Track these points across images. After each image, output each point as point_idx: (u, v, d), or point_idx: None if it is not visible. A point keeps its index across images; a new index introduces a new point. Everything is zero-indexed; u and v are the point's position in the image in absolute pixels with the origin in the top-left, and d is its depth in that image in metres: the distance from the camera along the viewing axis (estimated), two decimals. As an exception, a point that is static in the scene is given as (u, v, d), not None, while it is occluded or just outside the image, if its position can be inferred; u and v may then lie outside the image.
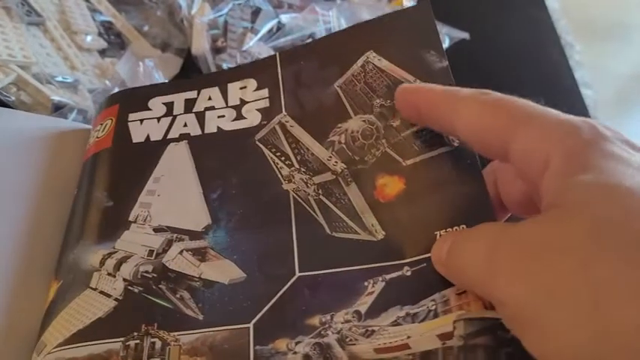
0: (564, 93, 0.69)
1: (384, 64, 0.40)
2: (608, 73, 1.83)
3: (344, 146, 0.38)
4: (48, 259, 0.38)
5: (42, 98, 0.50)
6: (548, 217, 0.25)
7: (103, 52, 0.60)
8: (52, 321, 0.35)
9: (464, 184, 0.33)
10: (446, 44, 0.67)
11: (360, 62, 0.41)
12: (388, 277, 0.33)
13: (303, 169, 0.38)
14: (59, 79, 0.53)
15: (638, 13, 2.08)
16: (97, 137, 0.44)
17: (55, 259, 0.38)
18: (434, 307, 0.31)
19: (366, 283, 0.33)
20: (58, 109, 0.50)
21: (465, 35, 0.68)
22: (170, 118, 0.43)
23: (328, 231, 0.36)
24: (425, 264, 0.32)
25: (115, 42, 0.61)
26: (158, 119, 0.43)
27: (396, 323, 0.31)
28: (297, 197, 0.37)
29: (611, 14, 2.02)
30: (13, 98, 0.49)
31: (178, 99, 0.44)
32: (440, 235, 0.32)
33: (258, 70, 0.44)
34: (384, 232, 0.34)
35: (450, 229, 0.32)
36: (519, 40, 0.73)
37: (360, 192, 0.36)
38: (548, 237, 0.23)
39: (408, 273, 0.32)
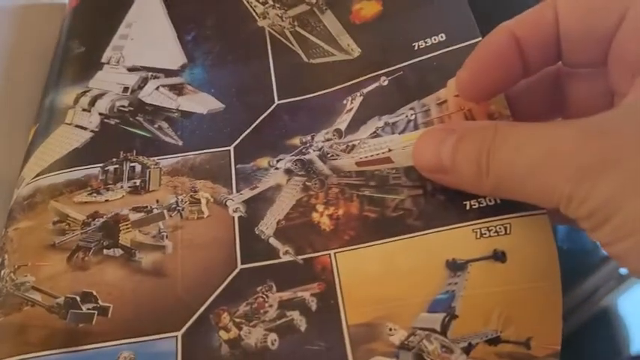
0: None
1: None
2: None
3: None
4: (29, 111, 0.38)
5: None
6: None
7: None
8: (30, 158, 0.34)
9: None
10: None
11: None
12: (365, 90, 0.33)
13: (277, 5, 0.37)
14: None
15: None
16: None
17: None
18: (413, 117, 0.31)
19: (344, 102, 0.33)
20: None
21: None
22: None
23: (305, 59, 0.35)
24: (401, 72, 0.32)
25: None
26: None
27: (375, 135, 0.31)
28: (272, 32, 0.37)
29: None
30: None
31: None
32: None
33: None
34: (360, 50, 0.34)
35: (428, 40, 0.32)
36: None
37: (335, 17, 0.35)
38: None
39: (385, 82, 0.32)
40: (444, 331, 0.25)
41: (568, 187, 0.21)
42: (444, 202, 0.29)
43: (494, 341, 0.25)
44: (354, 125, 0.32)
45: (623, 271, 0.44)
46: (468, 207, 0.28)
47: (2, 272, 0.29)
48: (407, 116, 0.31)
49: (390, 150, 0.30)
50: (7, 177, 0.35)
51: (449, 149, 0.25)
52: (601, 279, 0.44)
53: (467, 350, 0.25)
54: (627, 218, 0.20)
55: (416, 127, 0.31)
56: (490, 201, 0.28)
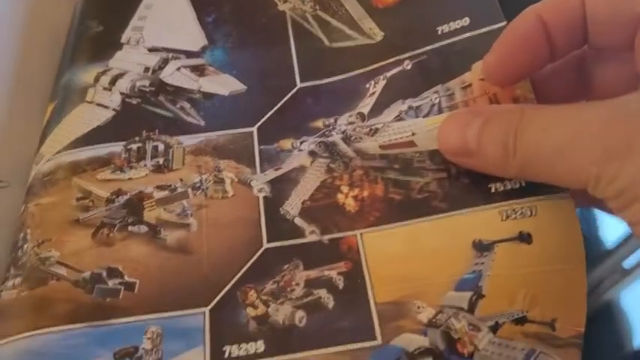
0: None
1: None
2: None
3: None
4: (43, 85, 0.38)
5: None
6: None
7: None
8: (49, 135, 0.34)
9: None
10: None
11: None
12: (389, 74, 0.33)
13: (299, -11, 0.37)
14: None
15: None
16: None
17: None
18: (437, 101, 0.31)
19: (367, 85, 0.33)
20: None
21: None
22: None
23: (327, 43, 0.35)
24: (425, 56, 0.32)
25: None
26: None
27: (399, 118, 0.32)
28: (293, 16, 0.37)
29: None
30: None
31: None
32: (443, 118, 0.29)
33: None
34: (382, 33, 0.34)
35: (452, 24, 0.32)
36: None
37: (357, 1, 0.36)
38: None
39: (409, 66, 0.32)
40: (471, 310, 0.26)
41: (596, 168, 0.21)
42: (468, 184, 0.29)
43: (520, 321, 0.25)
44: (377, 109, 0.32)
45: (626, 264, 0.44)
46: (493, 190, 0.28)
47: (25, 246, 0.29)
48: (431, 100, 0.31)
49: (413, 134, 0.31)
50: (24, 154, 0.35)
51: (475, 132, 0.25)
52: (604, 272, 0.45)
53: (494, 329, 0.25)
54: None
55: (440, 111, 0.31)
56: (515, 184, 0.28)
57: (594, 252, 0.46)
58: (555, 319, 0.25)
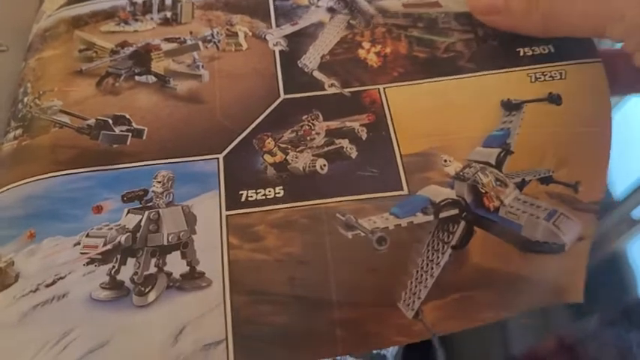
0: None
1: None
2: None
3: None
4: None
5: None
6: None
7: None
8: (47, -8, 0.32)
9: None
10: None
11: None
12: None
13: None
14: None
15: None
16: None
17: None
18: None
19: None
20: None
21: None
22: None
23: None
24: None
25: None
26: None
27: None
28: None
29: None
30: None
31: None
32: None
33: None
34: None
35: None
36: None
37: None
38: None
39: None
40: (498, 166, 0.24)
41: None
42: (496, 47, 0.27)
43: (546, 180, 0.24)
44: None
45: (635, 214, 0.43)
46: (521, 53, 0.27)
47: (25, 99, 0.27)
48: None
49: (439, -7, 0.29)
50: (24, 17, 0.32)
51: None
52: (612, 223, 0.44)
53: (520, 186, 0.24)
54: None
55: None
56: (544, 49, 0.27)
57: (602, 202, 0.45)
58: (579, 181, 0.24)
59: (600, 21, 0.23)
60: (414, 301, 0.22)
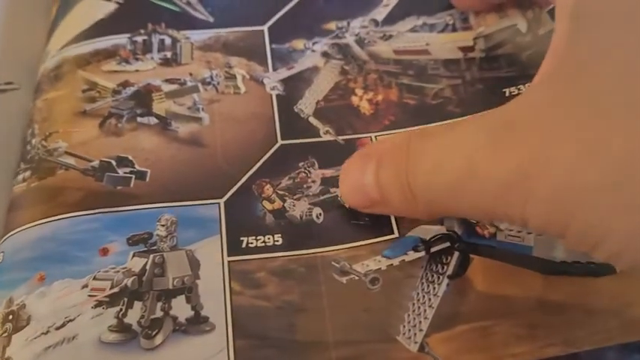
0: None
1: None
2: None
3: None
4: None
5: None
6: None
7: None
8: (53, 32, 0.33)
9: None
10: None
11: None
12: None
13: None
14: None
15: None
16: None
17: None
18: (452, 22, 0.31)
19: (381, -5, 0.32)
20: None
21: None
22: None
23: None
24: None
25: None
26: None
27: (414, 30, 0.31)
28: None
29: None
30: None
31: None
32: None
33: None
34: None
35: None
36: None
37: None
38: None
39: None
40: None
41: (501, 208, 0.19)
42: (482, 90, 0.29)
43: None
44: (391, 19, 0.32)
45: None
46: (507, 94, 0.29)
47: (33, 141, 0.28)
48: (445, 20, 0.31)
49: (428, 44, 0.31)
50: (34, 56, 0.33)
51: (371, 180, 0.22)
52: None
53: None
54: None
55: (454, 30, 0.31)
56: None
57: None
58: None
59: (497, 216, 0.20)
60: (415, 334, 0.23)
